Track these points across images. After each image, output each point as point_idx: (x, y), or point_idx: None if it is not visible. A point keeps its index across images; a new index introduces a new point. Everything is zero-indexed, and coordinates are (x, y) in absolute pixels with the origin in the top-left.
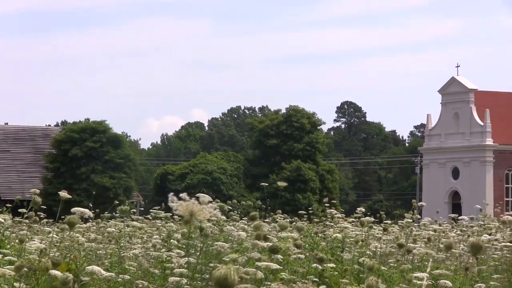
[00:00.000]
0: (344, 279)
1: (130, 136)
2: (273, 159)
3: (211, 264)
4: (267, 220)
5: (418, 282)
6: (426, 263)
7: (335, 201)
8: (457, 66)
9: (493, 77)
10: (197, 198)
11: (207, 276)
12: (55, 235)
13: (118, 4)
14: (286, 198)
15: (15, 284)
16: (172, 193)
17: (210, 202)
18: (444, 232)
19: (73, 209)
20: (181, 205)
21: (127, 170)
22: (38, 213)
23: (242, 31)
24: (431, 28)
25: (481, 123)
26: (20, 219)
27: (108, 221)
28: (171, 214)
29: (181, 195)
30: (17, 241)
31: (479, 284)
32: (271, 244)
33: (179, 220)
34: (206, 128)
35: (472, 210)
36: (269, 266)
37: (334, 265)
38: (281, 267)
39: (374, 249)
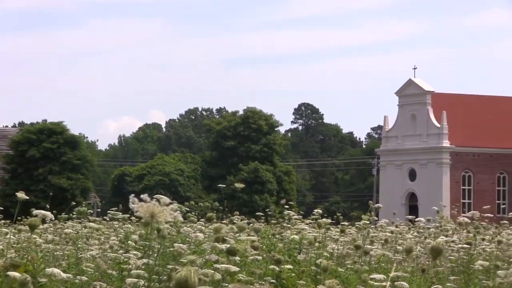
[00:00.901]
0: (301, 281)
1: (87, 137)
2: (231, 161)
3: (169, 266)
4: (225, 221)
5: (375, 283)
6: (383, 264)
7: (293, 203)
8: (414, 68)
9: (450, 79)
10: (158, 200)
11: (164, 277)
12: (12, 237)
13: (75, 5)
14: (243, 200)
15: None
16: (133, 195)
17: (171, 203)
18: (401, 233)
19: (35, 212)
20: (142, 207)
21: (85, 171)
22: None
23: (200, 32)
24: (388, 30)
25: (438, 125)
26: None
27: (66, 222)
28: (128, 216)
29: (141, 196)
30: None
31: (435, 286)
32: (229, 245)
33: (136, 221)
34: (164, 129)
35: (429, 212)
36: (228, 268)
37: (291, 267)
38: (238, 269)
39: (331, 251)
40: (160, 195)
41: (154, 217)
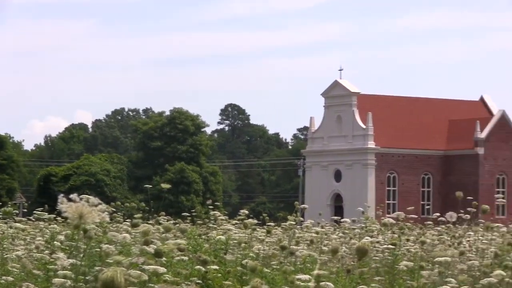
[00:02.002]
0: (227, 281)
1: (13, 137)
2: (157, 161)
3: (96, 267)
4: (151, 222)
5: (301, 284)
6: (309, 265)
7: (219, 203)
8: (340, 70)
9: (376, 81)
10: (87, 200)
11: (91, 278)
12: None
13: (5, 5)
14: (169, 200)
15: None
16: (62, 195)
17: (100, 204)
18: (326, 234)
19: None
20: (71, 207)
21: (10, 172)
22: None
23: (126, 32)
24: (314, 31)
25: (364, 126)
26: None
27: None
28: (54, 216)
29: (71, 196)
30: None
31: (360, 286)
32: (155, 247)
33: (62, 221)
34: (90, 129)
35: (354, 213)
36: (156, 270)
37: (217, 267)
38: (165, 270)
39: (257, 251)
40: (87, 196)
41: (83, 217)
